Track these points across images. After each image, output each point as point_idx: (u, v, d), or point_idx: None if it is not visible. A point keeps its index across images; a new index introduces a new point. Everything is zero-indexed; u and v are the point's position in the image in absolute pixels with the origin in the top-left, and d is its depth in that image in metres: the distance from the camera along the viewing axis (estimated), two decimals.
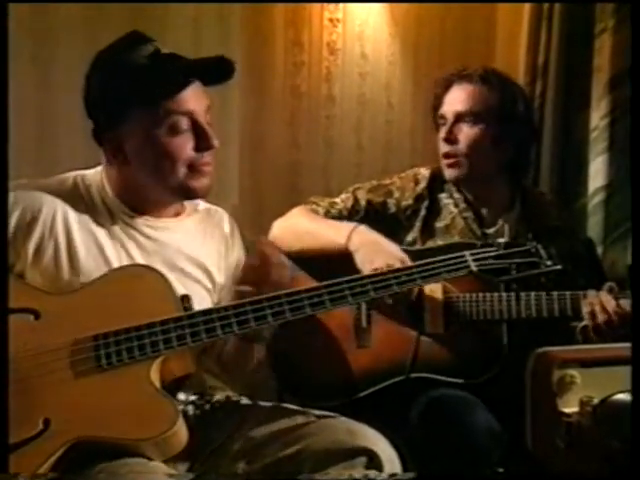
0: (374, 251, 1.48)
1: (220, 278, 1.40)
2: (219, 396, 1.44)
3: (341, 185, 2.31)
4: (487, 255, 1.35)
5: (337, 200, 1.72)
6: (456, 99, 1.68)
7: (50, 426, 1.11)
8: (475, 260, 1.33)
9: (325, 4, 2.28)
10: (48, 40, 1.91)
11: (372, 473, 1.19)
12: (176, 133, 1.24)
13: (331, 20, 2.30)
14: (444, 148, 1.70)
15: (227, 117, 2.12)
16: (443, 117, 1.71)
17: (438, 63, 2.42)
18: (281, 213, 1.73)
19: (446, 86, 1.71)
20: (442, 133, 1.70)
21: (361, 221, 1.64)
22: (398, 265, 1.38)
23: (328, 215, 1.69)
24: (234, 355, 1.37)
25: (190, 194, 1.31)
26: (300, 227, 1.67)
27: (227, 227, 1.44)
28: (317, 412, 1.33)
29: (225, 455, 1.30)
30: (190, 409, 1.36)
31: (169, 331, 1.18)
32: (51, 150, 1.93)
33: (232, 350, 1.37)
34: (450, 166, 1.69)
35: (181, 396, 1.34)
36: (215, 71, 1.27)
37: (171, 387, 1.22)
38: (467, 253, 1.34)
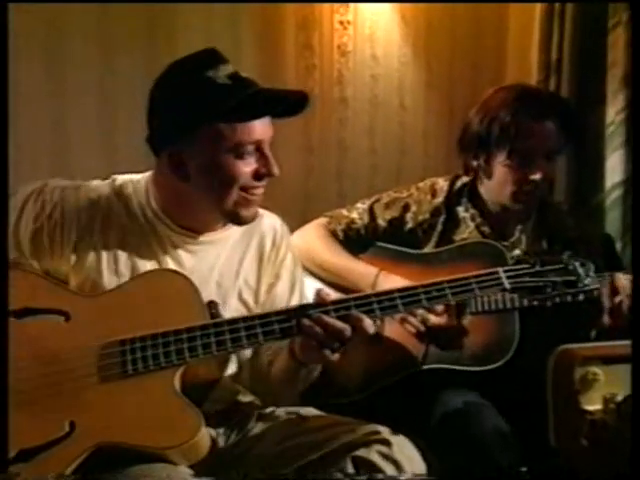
0: None
1: (260, 291, 1.37)
2: (245, 402, 1.42)
3: (354, 188, 2.31)
4: (522, 272, 1.28)
5: (354, 216, 1.70)
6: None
7: (75, 429, 1.11)
8: (509, 277, 1.26)
9: (335, 7, 2.28)
10: (61, 45, 1.91)
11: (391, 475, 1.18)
12: (241, 157, 1.23)
13: (341, 23, 2.30)
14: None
15: None
16: None
17: (450, 63, 2.42)
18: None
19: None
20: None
21: (379, 237, 1.66)
22: None
23: (347, 238, 1.68)
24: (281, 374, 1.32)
25: (238, 221, 1.29)
26: (321, 258, 1.66)
27: (268, 242, 1.39)
28: (339, 418, 1.33)
29: (245, 464, 1.29)
30: (215, 419, 1.33)
31: (195, 339, 1.17)
32: (64, 157, 1.94)
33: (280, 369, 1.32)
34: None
35: (207, 405, 1.30)
36: (291, 105, 1.25)
37: (198, 395, 1.21)
38: (500, 270, 1.27)
